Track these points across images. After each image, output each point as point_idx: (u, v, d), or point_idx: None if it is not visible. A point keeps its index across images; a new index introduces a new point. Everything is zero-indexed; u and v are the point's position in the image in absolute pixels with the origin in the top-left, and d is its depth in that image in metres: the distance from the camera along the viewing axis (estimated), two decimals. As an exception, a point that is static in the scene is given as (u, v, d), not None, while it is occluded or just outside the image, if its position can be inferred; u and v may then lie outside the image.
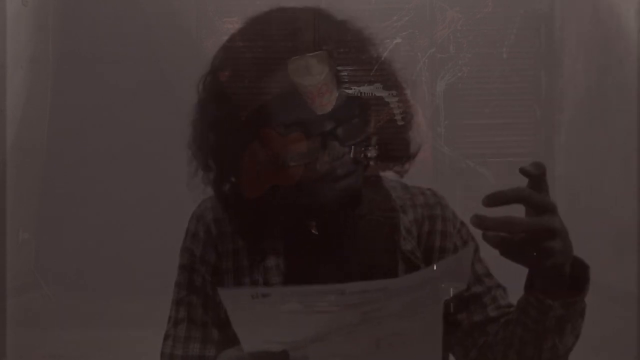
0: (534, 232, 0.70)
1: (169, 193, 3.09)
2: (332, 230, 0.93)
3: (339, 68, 0.85)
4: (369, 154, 0.88)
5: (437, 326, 0.74)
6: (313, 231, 0.92)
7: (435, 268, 0.75)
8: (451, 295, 0.73)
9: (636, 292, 3.05)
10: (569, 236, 0.73)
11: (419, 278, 0.73)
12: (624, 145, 3.96)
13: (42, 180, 4.79)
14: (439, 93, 4.86)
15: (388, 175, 0.98)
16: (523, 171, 0.71)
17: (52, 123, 4.82)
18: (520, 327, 0.82)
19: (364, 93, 0.87)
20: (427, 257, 0.95)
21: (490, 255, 0.83)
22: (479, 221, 0.69)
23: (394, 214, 0.95)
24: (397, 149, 0.93)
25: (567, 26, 4.85)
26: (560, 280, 0.74)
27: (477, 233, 0.88)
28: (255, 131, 0.86)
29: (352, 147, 0.86)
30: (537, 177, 0.71)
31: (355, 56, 0.88)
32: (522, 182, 0.72)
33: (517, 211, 0.71)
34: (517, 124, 4.89)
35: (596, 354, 3.10)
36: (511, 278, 0.97)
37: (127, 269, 4.31)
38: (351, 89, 0.86)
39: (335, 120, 0.85)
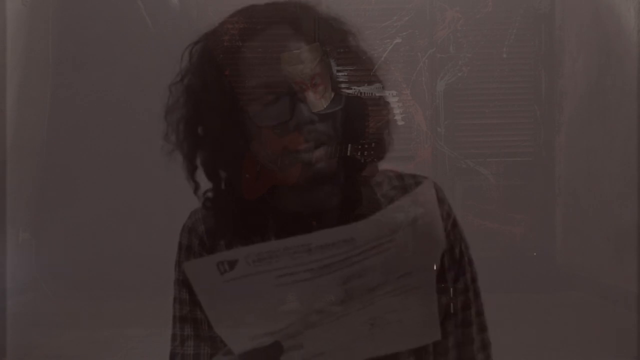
0: None
1: (169, 193, 3.09)
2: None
3: (339, 68, 0.85)
4: (366, 152, 0.87)
5: (432, 295, 0.72)
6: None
7: (395, 206, 0.68)
8: (438, 264, 0.71)
9: (636, 292, 3.05)
10: None
11: (385, 222, 0.68)
12: (624, 145, 3.95)
13: (42, 180, 4.78)
14: (439, 93, 4.85)
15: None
16: None
17: (52, 123, 4.81)
18: None
19: (364, 93, 0.87)
20: None
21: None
22: None
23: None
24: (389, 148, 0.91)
25: (567, 26, 4.85)
26: None
27: (472, 236, 0.88)
28: (254, 131, 0.85)
29: (349, 145, 0.85)
30: None
31: (355, 56, 0.88)
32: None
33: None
34: (517, 124, 4.88)
35: (596, 354, 3.10)
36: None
37: (127, 269, 4.31)
38: (351, 88, 0.86)
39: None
